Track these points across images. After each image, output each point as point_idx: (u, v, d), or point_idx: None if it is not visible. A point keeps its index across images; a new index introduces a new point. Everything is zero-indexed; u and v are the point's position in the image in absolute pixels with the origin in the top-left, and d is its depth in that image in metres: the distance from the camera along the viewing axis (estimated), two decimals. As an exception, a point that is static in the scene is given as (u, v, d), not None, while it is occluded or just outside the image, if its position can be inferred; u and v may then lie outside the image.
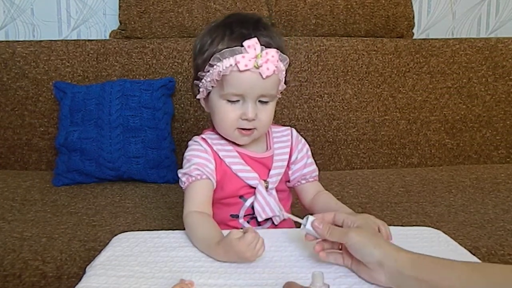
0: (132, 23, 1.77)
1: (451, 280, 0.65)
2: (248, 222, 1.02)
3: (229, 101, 0.96)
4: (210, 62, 0.95)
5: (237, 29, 0.95)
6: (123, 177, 1.60)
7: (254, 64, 0.92)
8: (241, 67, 0.91)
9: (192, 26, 1.78)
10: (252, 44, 0.92)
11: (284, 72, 0.98)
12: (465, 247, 0.88)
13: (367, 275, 0.73)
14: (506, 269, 0.64)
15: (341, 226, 0.80)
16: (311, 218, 0.79)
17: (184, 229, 0.92)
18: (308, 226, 0.78)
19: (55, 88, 1.67)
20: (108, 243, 0.90)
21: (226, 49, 0.93)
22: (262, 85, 0.94)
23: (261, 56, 0.92)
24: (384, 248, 0.71)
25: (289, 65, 1.00)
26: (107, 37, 1.88)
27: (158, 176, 1.60)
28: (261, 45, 0.93)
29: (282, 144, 1.06)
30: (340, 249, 0.79)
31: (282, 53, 0.96)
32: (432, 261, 0.68)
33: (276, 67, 0.94)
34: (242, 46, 0.92)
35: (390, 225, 0.93)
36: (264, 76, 0.92)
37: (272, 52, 0.93)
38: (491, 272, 0.65)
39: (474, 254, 0.86)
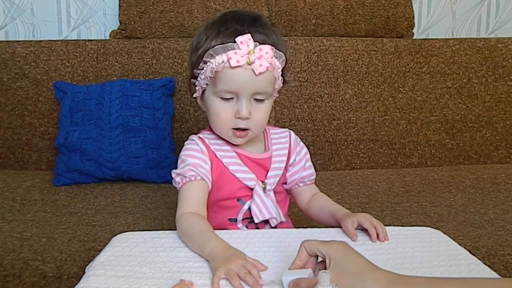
0: (132, 23, 1.77)
1: None
2: (246, 226, 1.00)
3: (222, 98, 0.94)
4: (203, 59, 0.93)
5: (232, 25, 0.93)
6: (123, 177, 1.60)
7: (247, 61, 0.89)
8: (233, 63, 0.89)
9: (192, 26, 1.78)
10: (244, 40, 0.89)
11: (279, 70, 0.95)
12: (465, 247, 0.88)
13: None
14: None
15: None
16: (285, 278, 0.71)
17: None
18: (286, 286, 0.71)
19: (55, 88, 1.67)
20: (107, 243, 0.90)
21: (219, 46, 0.91)
22: (256, 82, 0.91)
23: (254, 52, 0.89)
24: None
25: (289, 65, 0.98)
26: (107, 37, 1.88)
27: (158, 176, 1.60)
28: (255, 41, 0.90)
29: (280, 146, 1.05)
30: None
31: (279, 50, 0.93)
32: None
33: (270, 63, 0.91)
34: (234, 42, 0.90)
35: (390, 225, 0.93)
36: (257, 73, 0.90)
37: (266, 49, 0.90)
38: None
39: (474, 254, 0.86)
